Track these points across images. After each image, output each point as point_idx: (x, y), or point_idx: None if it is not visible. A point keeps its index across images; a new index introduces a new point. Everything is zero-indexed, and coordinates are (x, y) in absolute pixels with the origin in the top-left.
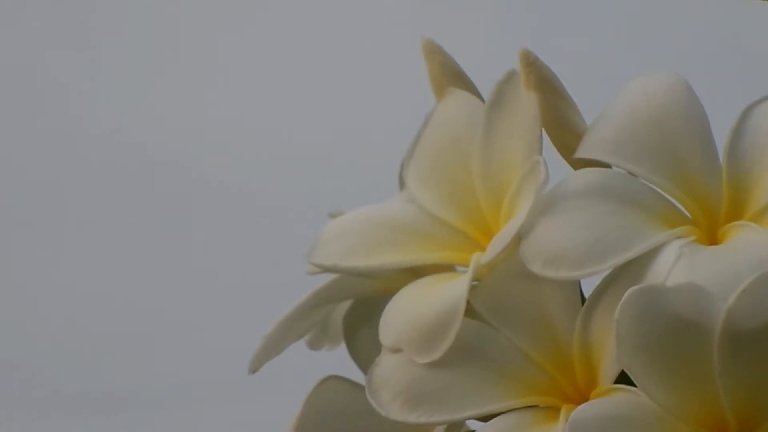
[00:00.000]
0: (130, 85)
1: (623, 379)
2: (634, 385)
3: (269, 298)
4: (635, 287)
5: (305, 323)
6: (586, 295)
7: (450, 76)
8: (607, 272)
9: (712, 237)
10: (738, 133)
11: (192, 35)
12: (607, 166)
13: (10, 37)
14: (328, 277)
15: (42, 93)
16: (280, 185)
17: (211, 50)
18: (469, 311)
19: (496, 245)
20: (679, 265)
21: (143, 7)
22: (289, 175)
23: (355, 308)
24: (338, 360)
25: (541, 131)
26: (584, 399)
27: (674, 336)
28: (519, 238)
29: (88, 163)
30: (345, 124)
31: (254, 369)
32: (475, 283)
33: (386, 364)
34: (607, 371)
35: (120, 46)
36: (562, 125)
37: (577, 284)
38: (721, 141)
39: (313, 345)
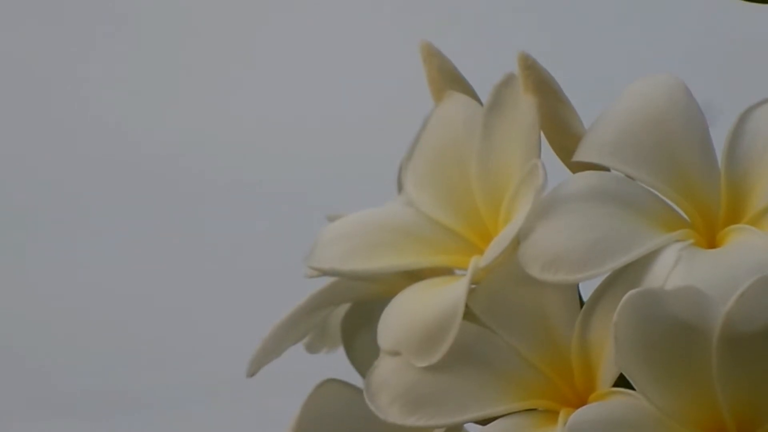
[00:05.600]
0: (145, 86)
1: (622, 382)
2: (633, 389)
3: (275, 299)
4: (634, 290)
5: (304, 326)
6: (585, 298)
7: (448, 79)
8: (605, 275)
9: (710, 240)
10: (736, 136)
11: (205, 37)
12: (606, 169)
13: (29, 38)
14: (327, 280)
15: (62, 94)
16: (288, 187)
17: (222, 51)
18: (468, 314)
19: (494, 248)
20: (677, 269)
21: (157, 10)
22: (296, 177)
23: (354, 311)
24: (337, 363)
25: (540, 134)
26: (583, 402)
27: (673, 339)
28: (517, 241)
29: (103, 163)
30: (349, 124)
31: (252, 372)
32: (473, 286)
33: (384, 368)
34: (606, 374)
35: (135, 48)
36: (560, 128)
37: (576, 287)
38: (720, 144)
39: (312, 348)
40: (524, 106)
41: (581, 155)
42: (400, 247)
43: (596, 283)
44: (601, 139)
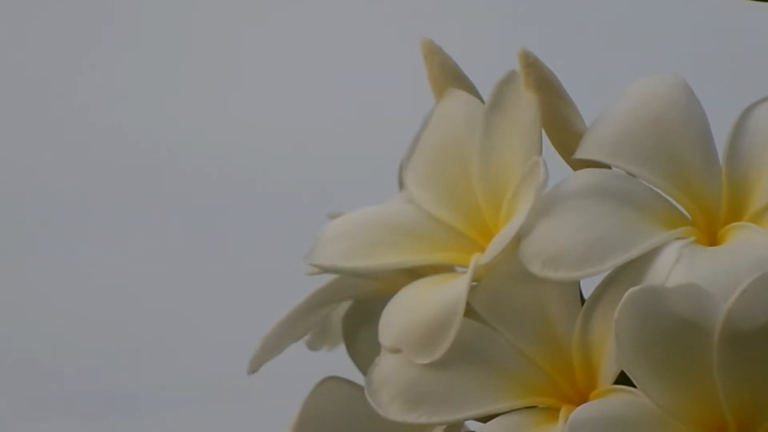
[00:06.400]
0: (145, 86)
1: (623, 379)
2: (634, 386)
3: (275, 298)
4: (635, 288)
5: (305, 324)
6: (586, 295)
7: (449, 76)
8: (606, 273)
9: (711, 238)
10: (737, 134)
11: (205, 37)
12: (607, 166)
13: (28, 39)
14: (328, 278)
15: (61, 94)
16: (288, 186)
17: (221, 51)
18: (469, 312)
19: (495, 246)
20: (678, 266)
21: (157, 10)
22: (297, 177)
23: (355, 309)
24: (338, 361)
25: (541, 132)
26: (584, 400)
27: (674, 337)
28: (518, 238)
29: (103, 163)
30: (349, 123)
31: (253, 369)
32: (474, 283)
33: (385, 365)
34: (607, 372)
35: (134, 48)
36: (561, 126)
37: (577, 285)
38: (721, 142)
39: (313, 346)
40: (525, 104)
41: (582, 153)
42: (401, 245)
43: (597, 280)
44: (603, 137)
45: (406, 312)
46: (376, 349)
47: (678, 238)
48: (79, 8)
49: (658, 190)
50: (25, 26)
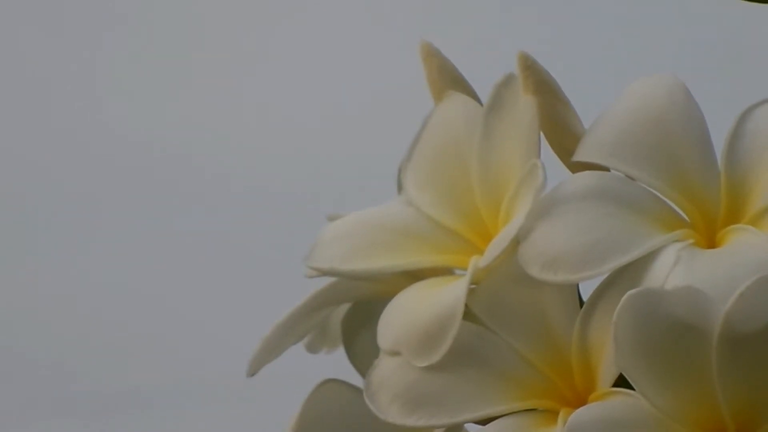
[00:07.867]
0: (148, 86)
1: (622, 382)
2: (633, 389)
3: (275, 299)
4: (633, 290)
5: (304, 326)
6: (585, 298)
7: (448, 79)
8: (605, 275)
9: (710, 240)
10: (736, 136)
11: (206, 36)
12: (606, 169)
13: (27, 38)
14: (327, 280)
15: (64, 94)
16: (288, 187)
17: (222, 51)
18: (468, 314)
19: (494, 248)
20: (677, 269)
21: (159, 12)
22: (297, 177)
23: (354, 311)
24: (337, 363)
25: (540, 134)
26: (582, 402)
27: (672, 339)
28: (517, 241)
29: (106, 163)
30: (349, 124)
31: (253, 371)
32: (473, 286)
33: (384, 367)
34: (606, 374)
35: (138, 49)
36: (560, 128)
37: (576, 287)
38: (720, 144)
39: (312, 348)
40: (524, 106)
41: (581, 155)
42: (399, 247)
43: (596, 283)
44: (601, 139)
45: (404, 314)
46: (375, 351)
47: (676, 241)
48: (80, 9)
49: (657, 193)
50: (26, 26)
